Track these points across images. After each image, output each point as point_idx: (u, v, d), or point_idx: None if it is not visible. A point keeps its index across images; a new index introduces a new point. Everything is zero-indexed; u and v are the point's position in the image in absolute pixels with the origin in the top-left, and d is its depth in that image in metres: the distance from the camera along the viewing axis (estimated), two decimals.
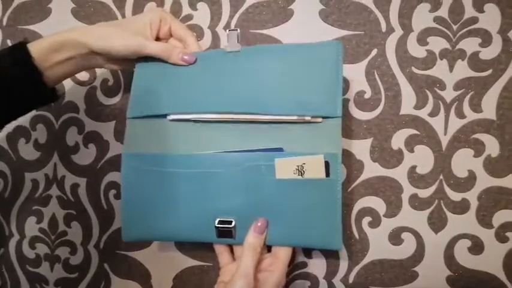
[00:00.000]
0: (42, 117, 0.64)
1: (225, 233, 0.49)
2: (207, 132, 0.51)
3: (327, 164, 0.47)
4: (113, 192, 0.62)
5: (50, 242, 0.65)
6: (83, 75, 0.63)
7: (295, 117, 0.48)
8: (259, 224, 0.48)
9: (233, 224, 0.49)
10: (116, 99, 0.62)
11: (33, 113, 0.64)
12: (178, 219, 0.50)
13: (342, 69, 0.48)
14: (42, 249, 0.65)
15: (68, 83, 0.63)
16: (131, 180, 0.51)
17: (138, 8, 0.62)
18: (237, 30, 0.51)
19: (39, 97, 0.50)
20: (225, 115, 0.50)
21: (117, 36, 0.49)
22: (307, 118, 0.48)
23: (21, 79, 0.46)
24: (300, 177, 0.47)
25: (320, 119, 0.48)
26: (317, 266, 0.57)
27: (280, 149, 0.48)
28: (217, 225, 0.49)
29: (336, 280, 0.57)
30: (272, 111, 0.48)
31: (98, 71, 0.63)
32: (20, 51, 0.47)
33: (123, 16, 0.62)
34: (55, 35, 0.49)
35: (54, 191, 0.64)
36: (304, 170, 0.47)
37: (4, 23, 0.66)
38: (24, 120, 0.65)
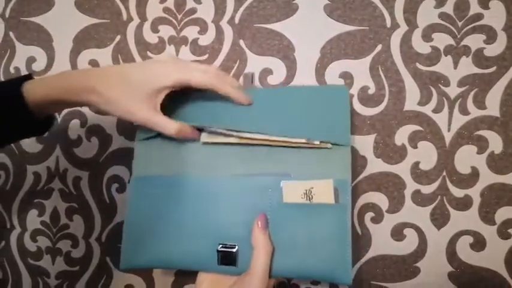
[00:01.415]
0: None
1: (227, 257, 0.47)
2: (215, 154, 0.50)
3: (335, 190, 0.45)
4: (115, 185, 0.62)
5: (51, 235, 0.64)
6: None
7: (303, 140, 0.47)
8: (260, 221, 0.46)
9: (236, 248, 0.47)
10: None
11: None
12: (180, 245, 0.48)
13: (349, 108, 0.49)
14: (43, 242, 0.65)
15: None
16: (138, 205, 0.50)
17: (141, 1, 0.61)
18: (252, 73, 0.55)
19: (32, 131, 0.49)
20: (235, 133, 0.49)
21: (124, 104, 0.46)
22: (316, 143, 0.47)
23: (13, 119, 0.45)
24: (308, 201, 0.45)
25: (329, 145, 0.47)
26: None
27: (287, 174, 0.47)
28: (219, 249, 0.47)
29: None
30: (282, 133, 0.48)
31: (101, 63, 0.63)
32: (16, 100, 0.44)
33: (127, 9, 0.62)
34: (58, 87, 0.45)
35: (56, 184, 0.64)
36: (312, 194, 0.45)
37: (7, 14, 0.65)
38: None
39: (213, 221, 0.47)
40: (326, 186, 0.45)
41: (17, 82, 0.45)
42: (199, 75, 0.48)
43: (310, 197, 0.45)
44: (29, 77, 0.47)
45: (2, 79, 0.65)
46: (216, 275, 0.48)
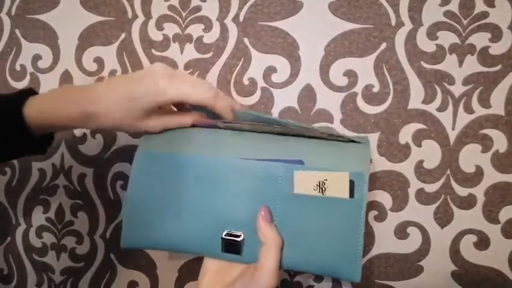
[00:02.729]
0: None
1: (232, 246, 0.45)
2: (227, 137, 0.47)
3: (351, 184, 0.42)
4: (119, 182, 0.62)
5: (56, 232, 0.65)
6: (92, 66, 0.63)
7: (319, 133, 0.45)
8: (263, 213, 0.43)
9: (241, 237, 0.44)
10: None
11: None
12: (183, 227, 0.46)
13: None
14: (48, 238, 0.65)
15: (76, 73, 0.64)
16: (141, 182, 0.47)
17: None
18: None
19: (31, 150, 0.49)
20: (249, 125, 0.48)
21: (127, 123, 0.46)
22: (334, 133, 0.46)
23: (13, 138, 0.45)
24: (320, 194, 0.42)
25: (346, 139, 0.46)
26: None
27: (300, 162, 0.44)
28: (223, 237, 0.45)
29: None
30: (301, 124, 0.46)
31: (106, 61, 0.63)
32: (17, 123, 0.44)
33: (132, 7, 0.62)
34: (62, 114, 0.45)
35: (61, 180, 0.64)
36: (325, 187, 0.42)
37: (13, 12, 0.66)
38: None
39: (219, 205, 0.45)
40: (342, 179, 0.42)
41: (18, 101, 0.45)
42: (200, 92, 0.45)
43: (324, 189, 0.42)
44: (28, 92, 0.46)
45: (8, 76, 0.66)
46: (222, 265, 0.46)
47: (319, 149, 0.45)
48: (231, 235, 0.45)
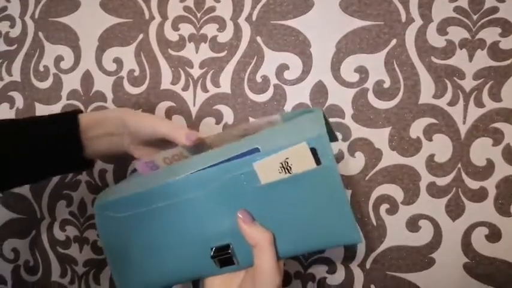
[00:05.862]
0: (71, 106, 0.67)
1: (224, 259, 0.42)
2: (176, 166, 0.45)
3: (314, 151, 0.38)
4: None
5: (79, 225, 0.68)
6: (111, 66, 0.66)
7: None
8: (241, 217, 0.41)
9: (230, 248, 0.41)
10: (141, 89, 0.65)
11: (64, 101, 0.68)
12: (172, 260, 0.44)
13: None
14: (71, 231, 0.68)
15: (96, 73, 0.66)
16: (110, 234, 0.46)
17: (163, 0, 0.64)
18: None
19: (76, 166, 0.52)
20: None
21: (149, 119, 0.50)
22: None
23: (63, 149, 0.49)
24: (288, 174, 0.39)
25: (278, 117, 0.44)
26: (335, 251, 0.58)
27: (256, 150, 0.40)
28: (213, 255, 0.42)
29: (354, 265, 0.58)
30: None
31: (125, 61, 0.65)
32: (71, 120, 0.49)
33: (149, 9, 0.64)
34: (102, 111, 0.52)
35: (83, 176, 0.67)
36: (290, 165, 0.38)
37: (36, 15, 0.69)
38: (55, 108, 0.68)
39: (196, 225, 0.42)
40: (302, 151, 0.38)
41: (71, 117, 0.49)
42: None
43: (289, 168, 0.38)
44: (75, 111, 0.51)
45: (32, 77, 0.69)
46: (222, 278, 0.44)
47: (270, 133, 0.43)
48: (220, 249, 0.42)
